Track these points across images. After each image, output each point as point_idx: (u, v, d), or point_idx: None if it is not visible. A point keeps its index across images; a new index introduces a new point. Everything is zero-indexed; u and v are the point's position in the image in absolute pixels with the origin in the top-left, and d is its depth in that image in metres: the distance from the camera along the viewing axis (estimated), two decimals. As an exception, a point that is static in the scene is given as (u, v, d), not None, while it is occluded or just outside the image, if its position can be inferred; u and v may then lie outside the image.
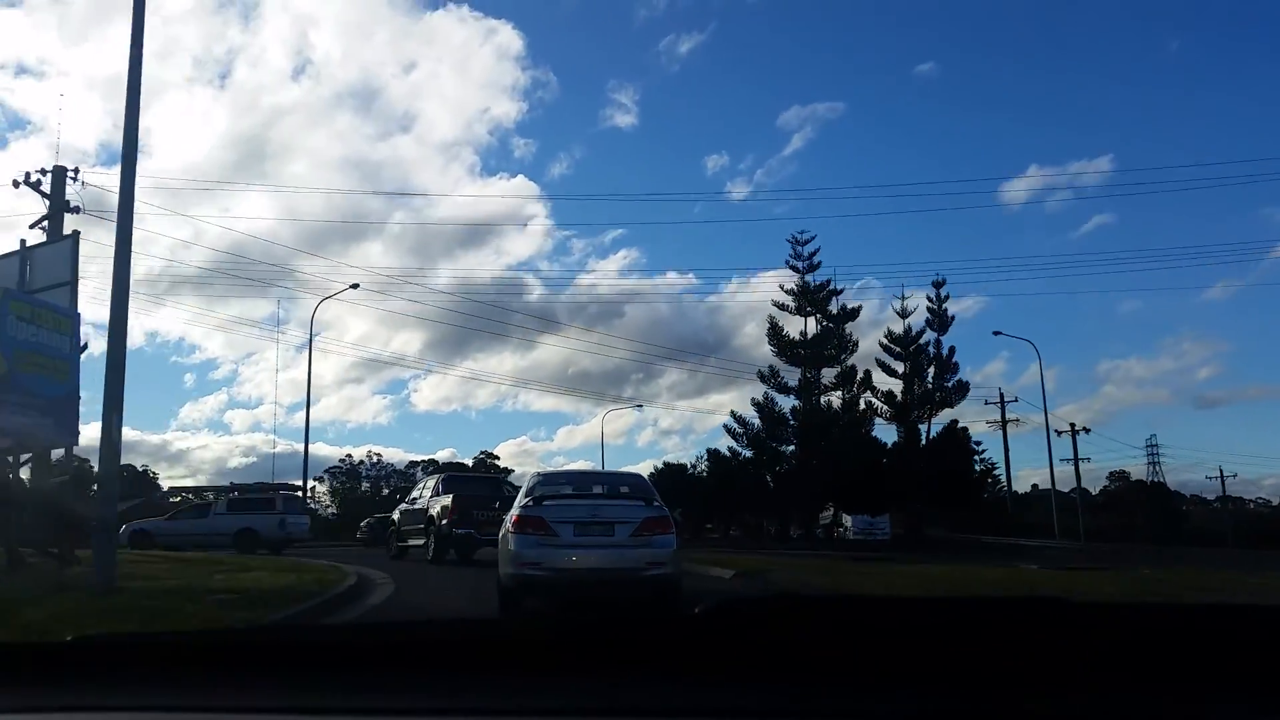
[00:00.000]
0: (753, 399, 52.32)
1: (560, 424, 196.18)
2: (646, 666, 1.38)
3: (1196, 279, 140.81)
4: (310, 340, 46.72)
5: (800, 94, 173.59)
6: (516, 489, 13.88)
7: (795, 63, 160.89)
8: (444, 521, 20.01)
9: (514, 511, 10.35)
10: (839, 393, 51.44)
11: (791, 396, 51.40)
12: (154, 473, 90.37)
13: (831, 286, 51.93)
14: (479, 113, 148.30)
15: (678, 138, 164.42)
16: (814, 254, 51.91)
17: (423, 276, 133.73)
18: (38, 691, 1.49)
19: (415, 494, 23.91)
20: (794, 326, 52.16)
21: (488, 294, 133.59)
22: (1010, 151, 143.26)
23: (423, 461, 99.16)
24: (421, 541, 21.25)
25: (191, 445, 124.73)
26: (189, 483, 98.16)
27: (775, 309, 52.42)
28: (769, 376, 51.89)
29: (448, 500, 20.36)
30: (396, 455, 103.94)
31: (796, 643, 1.37)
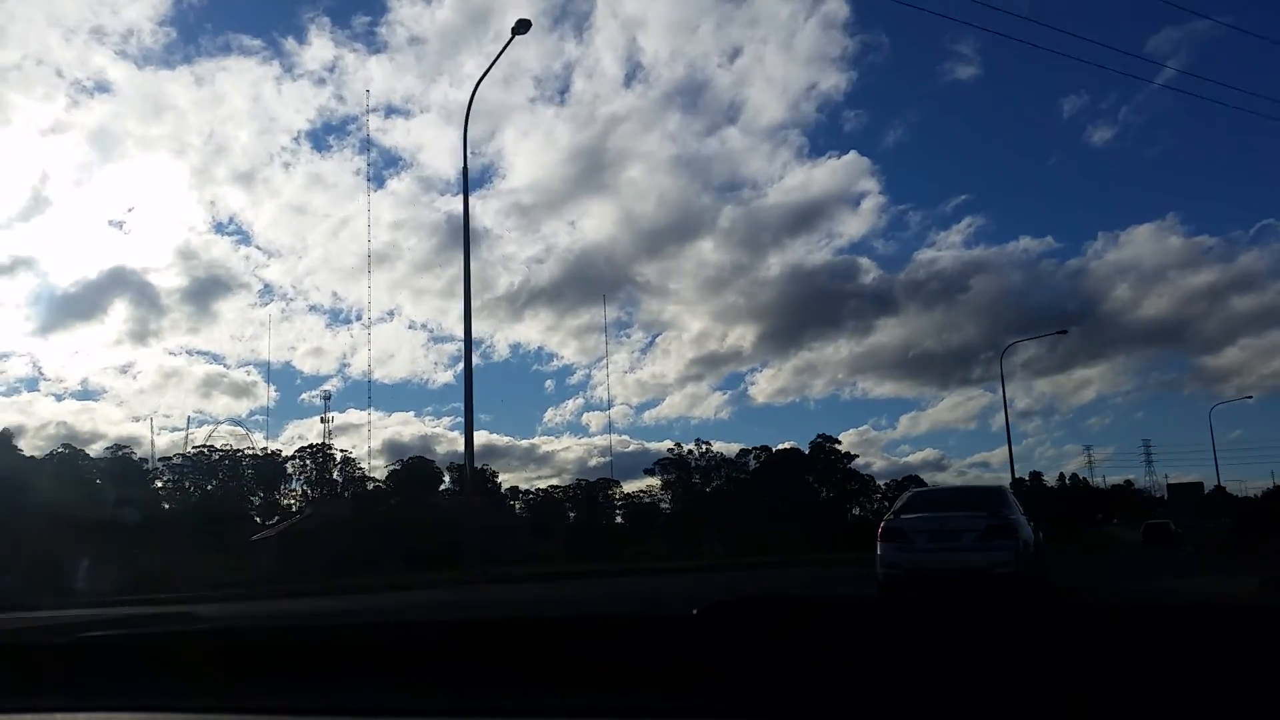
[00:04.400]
0: None
1: (902, 410, 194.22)
2: (645, 666, 1.38)
3: None
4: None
5: (1174, 12, 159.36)
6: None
7: None
8: None
9: (881, 525, 12.90)
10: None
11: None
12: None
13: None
14: (805, 90, 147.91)
15: (1028, 82, 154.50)
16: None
17: (754, 269, 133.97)
18: (38, 691, 1.49)
19: None
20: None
21: (820, 280, 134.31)
22: None
23: (755, 449, 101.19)
24: None
25: (556, 448, 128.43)
26: (555, 483, 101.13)
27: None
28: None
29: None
30: (725, 447, 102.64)
31: (794, 643, 1.38)
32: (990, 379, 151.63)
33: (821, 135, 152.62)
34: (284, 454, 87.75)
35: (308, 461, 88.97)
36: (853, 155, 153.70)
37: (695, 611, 1.42)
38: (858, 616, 1.50)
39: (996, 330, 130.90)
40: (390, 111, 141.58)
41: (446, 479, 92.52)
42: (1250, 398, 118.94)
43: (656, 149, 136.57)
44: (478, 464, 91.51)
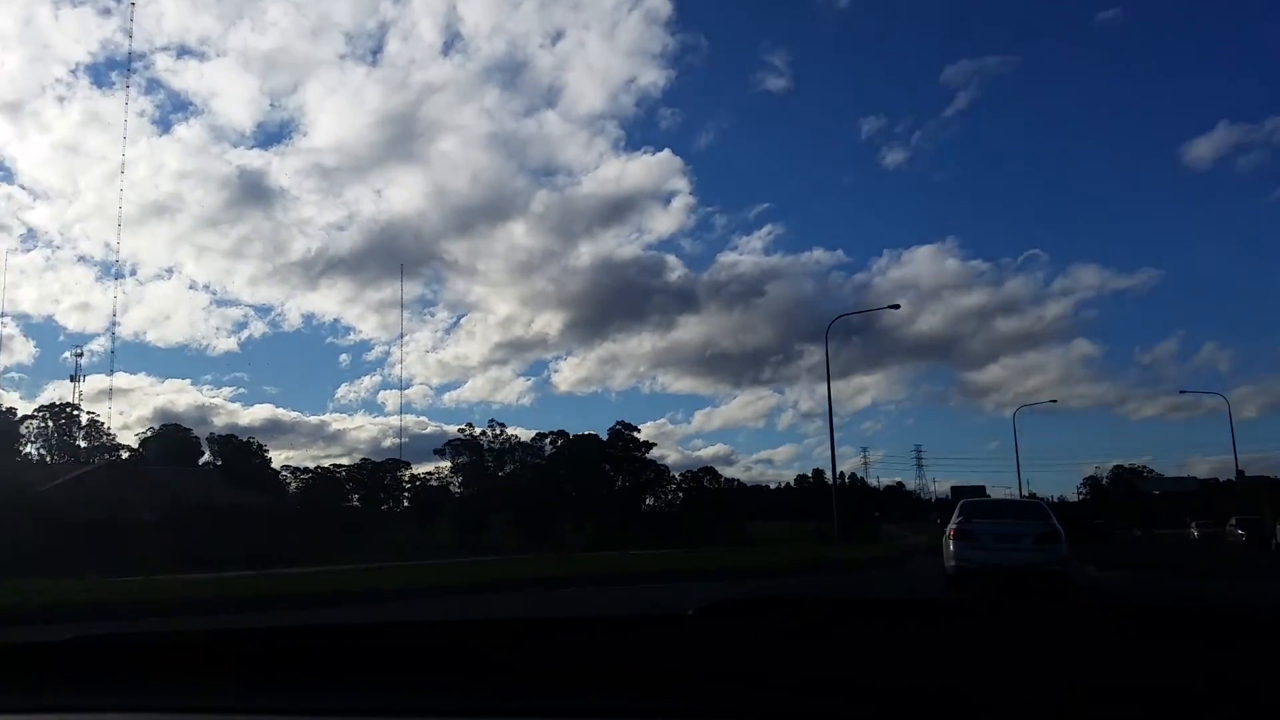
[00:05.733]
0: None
1: (698, 406, 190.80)
2: (641, 667, 1.41)
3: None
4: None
5: (968, 46, 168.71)
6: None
7: (963, 10, 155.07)
8: None
9: (951, 527, 16.06)
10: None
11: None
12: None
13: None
14: (625, 83, 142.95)
15: (832, 101, 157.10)
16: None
17: (564, 256, 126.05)
18: (37, 692, 1.49)
19: None
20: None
21: (628, 273, 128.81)
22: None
23: (551, 434, 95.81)
24: None
25: (348, 426, 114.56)
26: (345, 462, 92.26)
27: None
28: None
29: None
30: (521, 431, 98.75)
31: (790, 643, 1.40)
32: (779, 380, 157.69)
33: (638, 130, 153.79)
34: (19, 414, 77.61)
35: (49, 423, 79.07)
36: (666, 154, 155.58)
37: (691, 612, 1.45)
38: (855, 617, 1.52)
39: (788, 335, 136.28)
40: (183, 52, 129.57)
41: (206, 453, 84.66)
42: (1055, 401, 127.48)
43: (472, 124, 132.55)
44: (246, 437, 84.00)
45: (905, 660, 1.36)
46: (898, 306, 55.31)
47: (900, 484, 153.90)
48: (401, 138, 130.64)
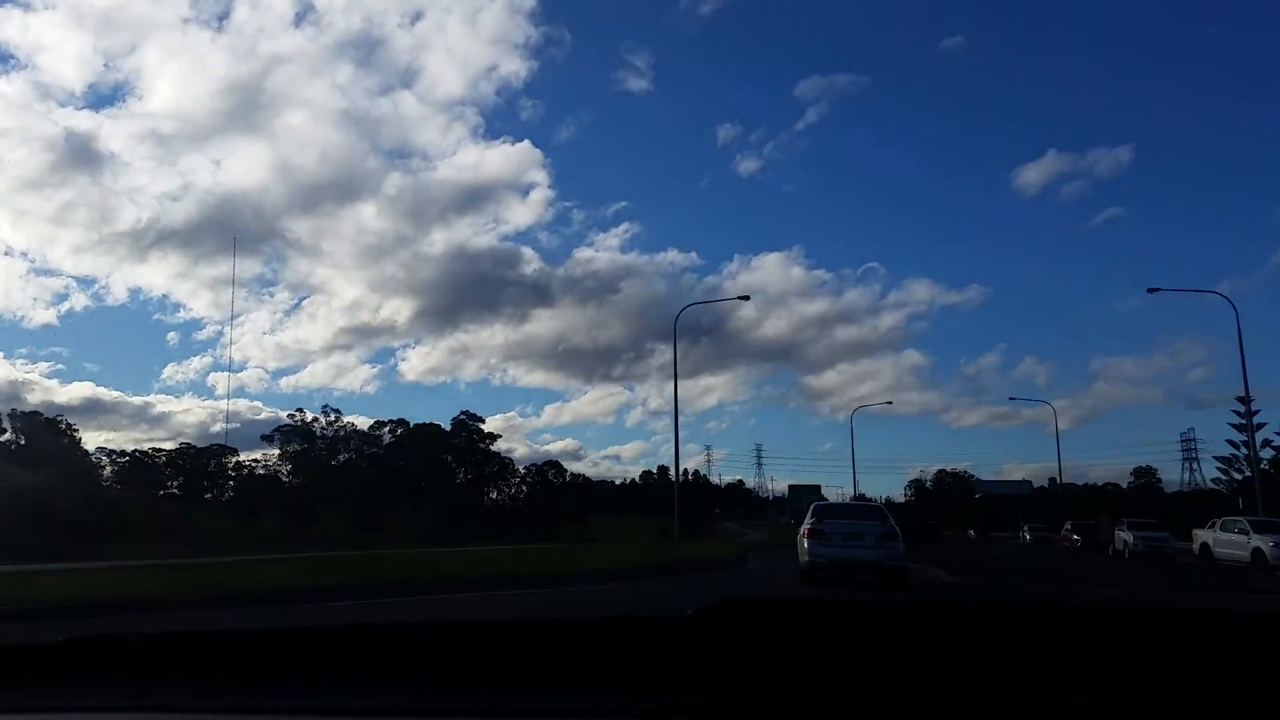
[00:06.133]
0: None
1: (548, 400, 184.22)
2: (640, 667, 1.41)
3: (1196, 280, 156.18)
4: None
5: (821, 63, 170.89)
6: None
7: (818, 28, 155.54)
8: None
9: (805, 526, 17.75)
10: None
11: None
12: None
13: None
14: (486, 70, 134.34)
15: (691, 104, 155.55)
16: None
17: (416, 242, 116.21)
18: (30, 692, 1.47)
19: None
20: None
21: (483, 264, 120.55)
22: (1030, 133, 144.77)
23: (390, 423, 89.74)
24: None
25: (174, 408, 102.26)
26: (169, 446, 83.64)
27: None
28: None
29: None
30: (358, 419, 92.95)
31: (789, 643, 1.41)
32: (630, 378, 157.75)
33: (498, 119, 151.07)
34: None
35: None
36: (526, 145, 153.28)
37: (690, 612, 1.44)
38: (854, 617, 1.53)
39: (640, 333, 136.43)
40: (5, 0, 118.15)
41: (8, 431, 77.10)
42: (890, 403, 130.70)
43: (323, 99, 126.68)
44: (54, 414, 76.99)
45: (904, 660, 1.38)
46: (747, 298, 55.76)
47: (741, 482, 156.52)
48: (245, 108, 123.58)
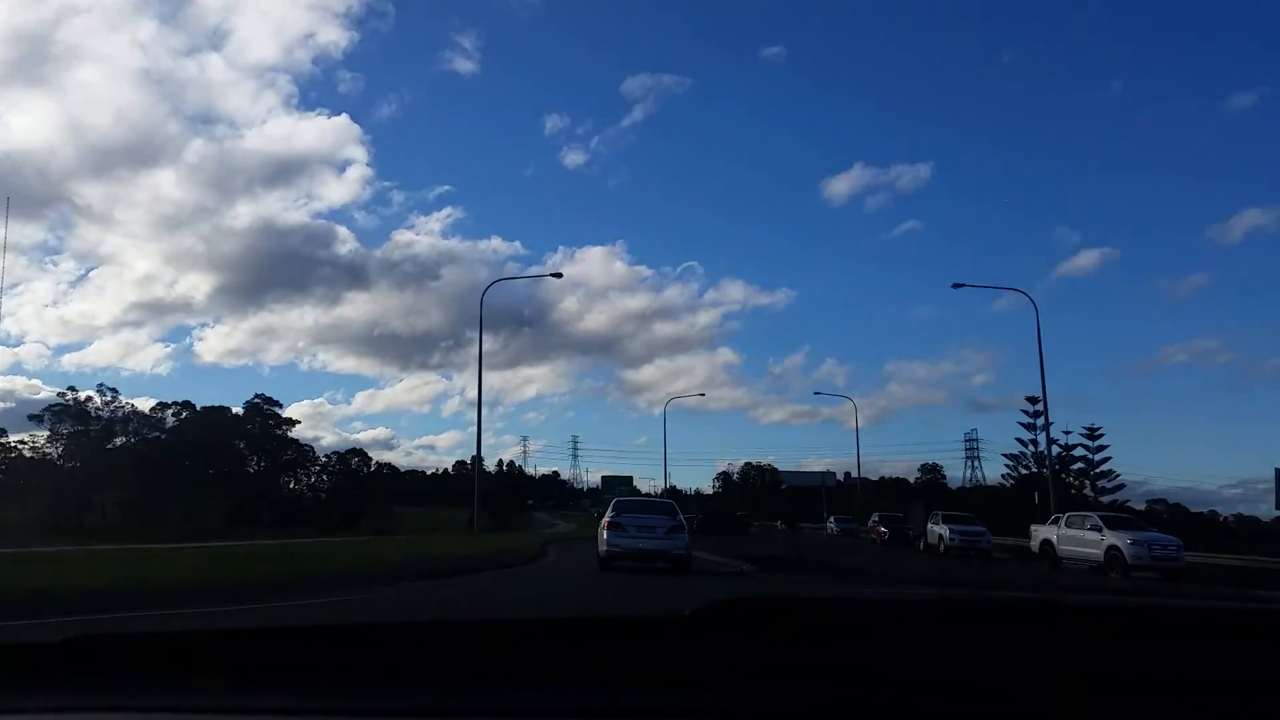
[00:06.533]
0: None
1: (361, 387, 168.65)
2: (641, 667, 1.42)
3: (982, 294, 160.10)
4: None
5: (649, 62, 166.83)
6: None
7: (647, 27, 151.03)
8: None
9: (605, 519, 20.05)
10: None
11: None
12: None
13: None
14: (303, 37, 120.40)
15: (519, 92, 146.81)
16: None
17: (219, 214, 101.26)
18: (28, 692, 1.46)
19: None
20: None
21: (293, 241, 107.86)
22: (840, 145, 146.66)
23: (175, 404, 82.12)
24: None
25: None
26: None
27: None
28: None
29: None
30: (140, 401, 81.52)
31: (789, 644, 1.42)
32: (448, 366, 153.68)
33: (315, 89, 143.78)
34: None
35: None
36: (345, 119, 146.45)
37: (690, 612, 1.45)
38: (854, 616, 1.53)
39: (459, 321, 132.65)
40: None
41: None
42: (703, 394, 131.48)
43: (122, 56, 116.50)
44: None
45: (904, 659, 1.38)
46: (559, 275, 54.56)
47: (556, 473, 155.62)
48: (31, 59, 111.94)
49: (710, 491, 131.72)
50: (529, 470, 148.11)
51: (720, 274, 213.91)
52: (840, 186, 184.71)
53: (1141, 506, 74.48)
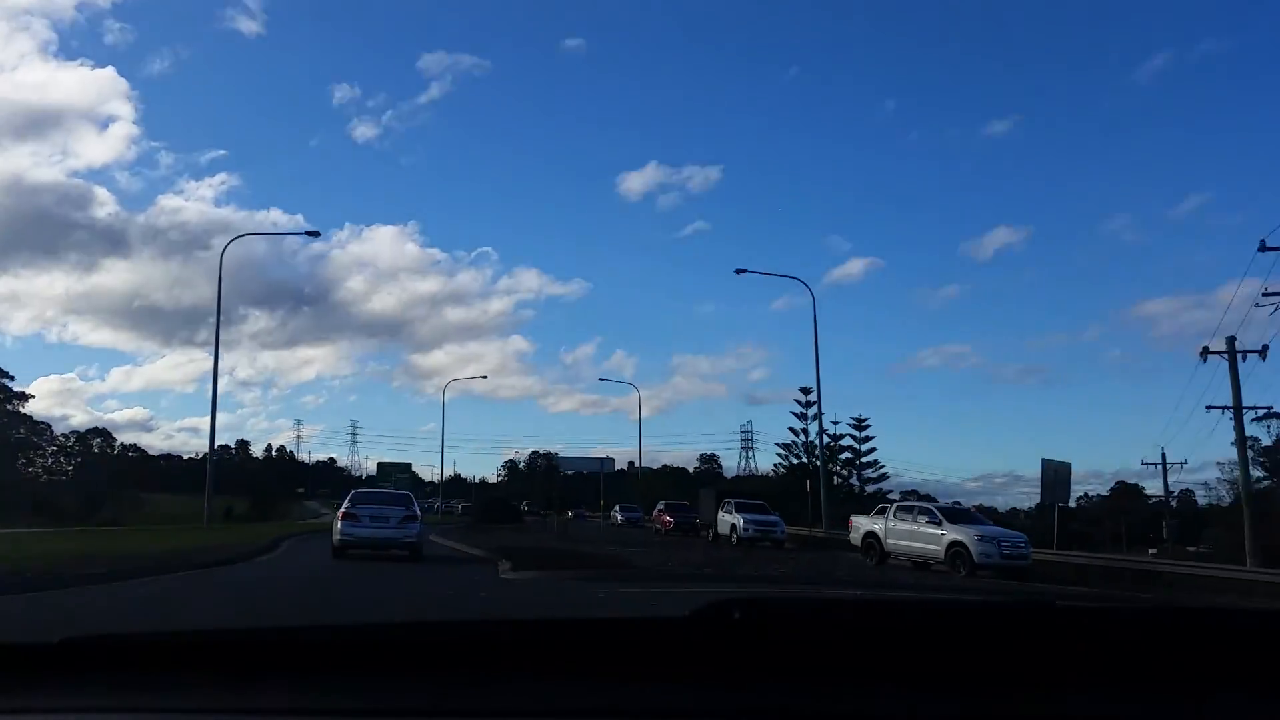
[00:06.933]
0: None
1: (117, 362, 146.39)
2: (638, 667, 1.43)
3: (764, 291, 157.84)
4: None
5: (447, 39, 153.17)
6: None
7: (446, 3, 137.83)
8: None
9: (340, 510, 21.51)
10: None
11: None
12: None
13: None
14: None
15: (306, 57, 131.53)
16: None
17: None
18: (26, 694, 1.45)
19: None
20: None
21: (44, 199, 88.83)
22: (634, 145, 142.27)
23: None
24: None
25: None
26: None
27: None
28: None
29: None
30: None
31: (785, 644, 1.43)
32: (221, 342, 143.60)
33: (77, 37, 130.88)
34: None
35: None
36: (110, 72, 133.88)
37: (689, 612, 1.46)
38: (848, 618, 1.54)
39: (232, 296, 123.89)
40: None
41: None
42: (485, 376, 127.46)
43: None
44: None
45: (903, 659, 1.39)
46: (316, 234, 51.67)
47: (333, 459, 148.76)
48: None
49: (496, 480, 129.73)
50: (302, 456, 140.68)
51: (515, 261, 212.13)
52: (635, 183, 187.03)
53: (898, 496, 79.25)
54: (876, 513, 28.20)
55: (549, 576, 16.85)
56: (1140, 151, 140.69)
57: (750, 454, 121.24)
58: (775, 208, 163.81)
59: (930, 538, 24.37)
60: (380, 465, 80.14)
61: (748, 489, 49.30)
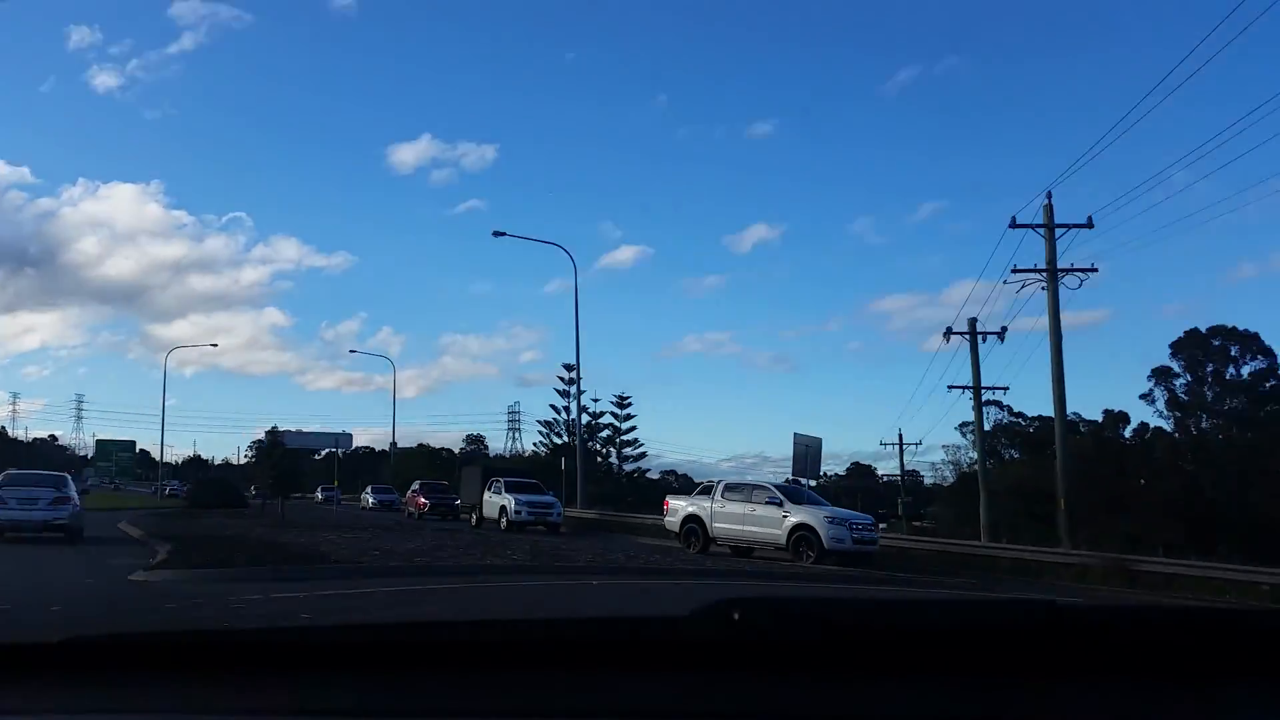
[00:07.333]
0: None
1: None
2: (642, 666, 1.44)
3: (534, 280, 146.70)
4: None
5: None
6: None
7: None
8: None
9: None
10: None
11: None
12: None
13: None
14: None
15: None
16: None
17: None
18: (27, 693, 1.45)
19: None
20: None
21: None
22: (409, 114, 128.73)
23: None
24: None
25: None
26: None
27: None
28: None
29: None
30: None
31: (785, 644, 1.44)
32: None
33: None
34: None
35: None
36: None
37: (690, 612, 1.46)
38: (849, 617, 1.53)
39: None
40: None
41: None
42: (215, 344, 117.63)
43: None
44: None
45: (903, 659, 1.39)
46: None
47: (54, 436, 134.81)
48: None
49: (243, 461, 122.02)
50: (17, 434, 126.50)
51: (272, 229, 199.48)
52: (407, 155, 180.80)
53: (657, 476, 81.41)
54: (699, 492, 24.99)
55: (201, 576, 12.76)
56: (885, 159, 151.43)
57: (517, 435, 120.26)
58: (550, 192, 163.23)
59: (770, 520, 21.68)
60: (99, 443, 73.23)
61: (509, 467, 47.15)
